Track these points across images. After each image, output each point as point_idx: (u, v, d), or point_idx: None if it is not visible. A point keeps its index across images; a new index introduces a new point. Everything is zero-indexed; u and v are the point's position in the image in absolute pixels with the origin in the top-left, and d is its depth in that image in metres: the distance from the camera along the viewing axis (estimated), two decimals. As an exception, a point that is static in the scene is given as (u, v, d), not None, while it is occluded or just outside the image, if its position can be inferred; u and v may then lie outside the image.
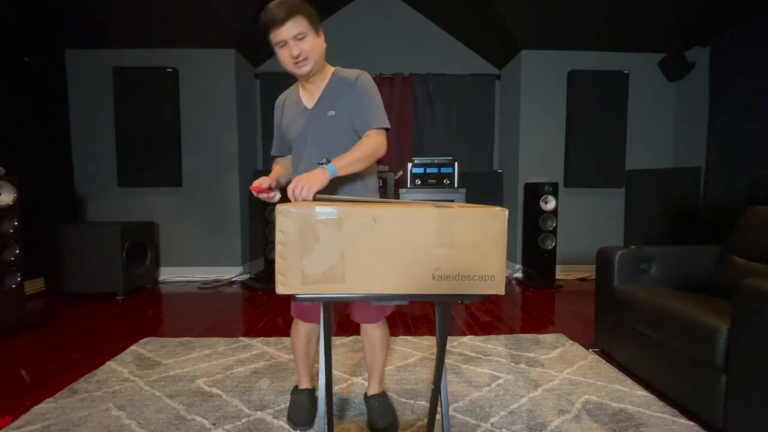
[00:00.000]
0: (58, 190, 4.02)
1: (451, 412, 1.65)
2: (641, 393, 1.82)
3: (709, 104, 3.83)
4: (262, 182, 1.36)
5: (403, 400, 1.76)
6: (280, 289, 0.87)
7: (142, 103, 4.07)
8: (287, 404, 1.70)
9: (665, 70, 4.24)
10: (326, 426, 1.20)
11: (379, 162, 3.86)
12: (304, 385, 1.69)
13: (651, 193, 3.78)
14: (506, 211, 0.89)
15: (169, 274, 4.26)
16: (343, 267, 0.86)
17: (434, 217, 0.88)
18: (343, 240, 0.86)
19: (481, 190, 4.39)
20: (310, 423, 1.56)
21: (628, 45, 4.17)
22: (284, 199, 1.12)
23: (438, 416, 1.35)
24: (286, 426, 1.56)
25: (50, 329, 2.70)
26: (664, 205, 3.64)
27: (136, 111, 4.08)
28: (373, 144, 1.33)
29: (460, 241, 0.88)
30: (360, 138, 1.38)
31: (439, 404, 1.28)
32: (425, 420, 1.59)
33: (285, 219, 0.85)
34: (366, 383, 1.91)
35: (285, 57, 1.32)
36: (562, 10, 3.69)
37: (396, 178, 3.84)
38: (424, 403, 1.72)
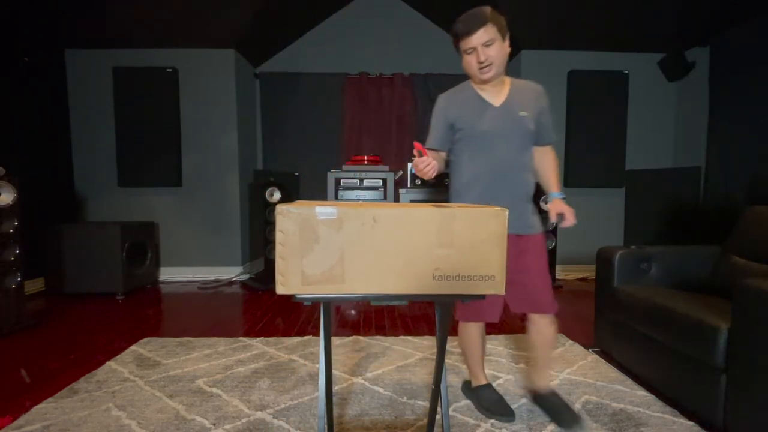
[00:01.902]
0: (58, 190, 4.02)
1: (451, 412, 1.65)
2: (641, 393, 1.82)
3: (709, 104, 3.83)
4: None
5: (403, 400, 1.76)
6: (281, 290, 0.87)
7: (142, 103, 4.07)
8: (287, 404, 1.70)
9: (665, 70, 4.24)
10: (326, 426, 1.20)
11: (379, 162, 3.83)
12: (484, 380, 1.75)
13: (651, 193, 3.77)
14: (506, 211, 0.89)
15: (169, 274, 4.26)
16: (342, 267, 0.86)
17: (434, 217, 0.88)
18: (342, 240, 0.86)
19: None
20: (512, 411, 1.63)
21: (628, 45, 4.17)
22: (283, 199, 1.12)
23: (438, 416, 1.35)
24: (286, 426, 1.56)
25: (50, 329, 2.70)
26: (664, 205, 3.64)
27: (136, 111, 4.08)
28: (557, 164, 1.67)
29: (460, 241, 0.88)
30: (534, 141, 1.59)
31: (439, 404, 1.28)
32: (425, 420, 1.59)
33: (285, 219, 0.85)
34: (366, 382, 1.91)
35: (472, 62, 1.45)
36: (562, 10, 3.69)
37: (396, 178, 3.83)
38: (424, 403, 1.72)
